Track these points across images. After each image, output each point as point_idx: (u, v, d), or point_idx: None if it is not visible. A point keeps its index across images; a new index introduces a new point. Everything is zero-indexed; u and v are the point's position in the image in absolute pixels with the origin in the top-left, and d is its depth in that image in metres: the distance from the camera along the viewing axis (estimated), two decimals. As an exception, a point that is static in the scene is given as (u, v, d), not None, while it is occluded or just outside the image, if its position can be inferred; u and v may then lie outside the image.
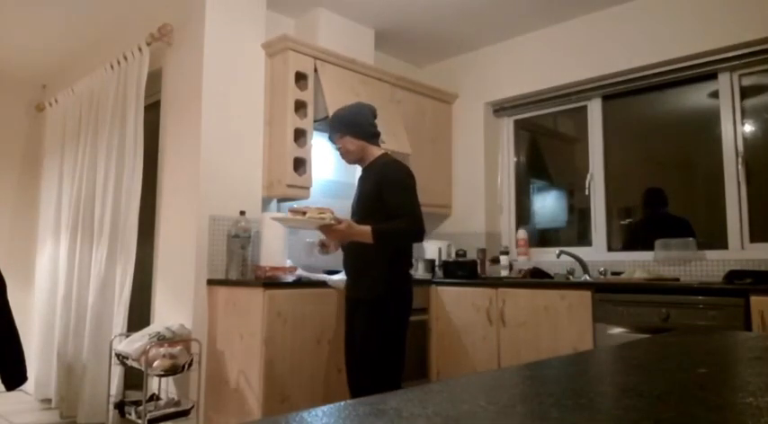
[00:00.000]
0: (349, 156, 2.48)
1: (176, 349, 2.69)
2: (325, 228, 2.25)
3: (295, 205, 2.54)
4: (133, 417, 2.77)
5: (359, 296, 2.40)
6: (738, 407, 0.42)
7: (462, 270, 3.47)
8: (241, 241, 2.90)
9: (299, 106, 3.20)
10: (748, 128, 3.10)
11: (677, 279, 2.99)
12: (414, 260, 2.63)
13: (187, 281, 2.95)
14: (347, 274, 2.50)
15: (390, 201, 2.31)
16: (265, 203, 3.22)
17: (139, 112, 3.28)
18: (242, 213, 2.95)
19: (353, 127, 2.46)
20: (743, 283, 2.50)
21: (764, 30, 2.91)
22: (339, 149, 2.49)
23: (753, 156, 3.05)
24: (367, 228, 2.26)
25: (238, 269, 2.88)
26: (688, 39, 3.16)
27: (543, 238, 3.92)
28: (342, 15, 3.61)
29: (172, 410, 2.75)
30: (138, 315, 3.28)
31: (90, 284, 3.42)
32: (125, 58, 3.41)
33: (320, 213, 2.20)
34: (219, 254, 2.97)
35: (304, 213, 2.20)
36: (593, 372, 0.60)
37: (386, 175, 2.36)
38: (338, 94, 3.27)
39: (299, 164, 3.15)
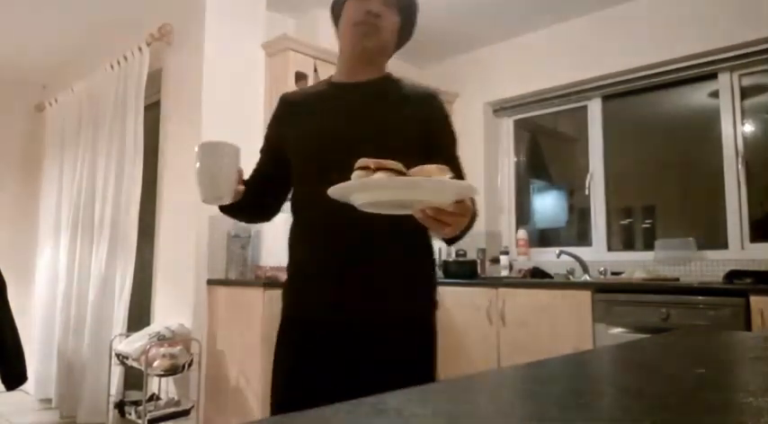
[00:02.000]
0: (376, 37, 1.34)
1: (176, 349, 2.69)
2: (457, 208, 1.01)
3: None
4: (133, 417, 2.77)
5: (403, 314, 1.32)
6: (738, 407, 0.42)
7: (462, 270, 3.47)
8: (241, 241, 2.90)
9: (299, 106, 3.20)
10: (748, 128, 3.10)
11: (677, 279, 2.99)
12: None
13: (187, 281, 2.95)
14: (364, 277, 1.27)
15: (451, 160, 1.32)
16: (265, 203, 3.22)
17: (139, 112, 3.28)
18: (242, 213, 2.95)
19: (410, 15, 1.43)
20: (743, 283, 2.50)
21: (764, 30, 2.91)
22: (375, 16, 1.32)
23: (753, 156, 3.05)
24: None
25: (238, 269, 2.88)
26: (688, 39, 3.16)
27: (543, 238, 3.92)
28: (342, 15, 3.61)
29: (172, 410, 2.75)
30: (138, 315, 3.28)
31: (90, 284, 3.42)
32: (125, 58, 3.41)
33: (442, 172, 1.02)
34: (219, 254, 2.97)
35: (402, 173, 0.96)
36: (593, 372, 0.60)
37: (443, 113, 1.42)
38: (338, 94, 3.27)
39: (299, 164, 3.15)
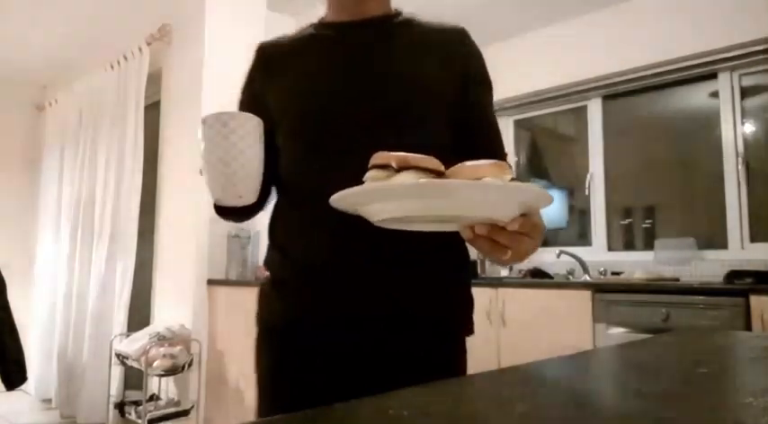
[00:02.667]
0: None
1: (176, 349, 2.69)
2: (523, 225, 0.67)
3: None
4: (133, 417, 2.77)
5: (443, 316, 1.04)
6: (738, 407, 0.42)
7: (462, 270, 3.47)
8: (241, 241, 2.90)
9: (299, 106, 3.20)
10: (748, 128, 3.10)
11: (677, 279, 2.99)
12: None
13: (187, 281, 2.95)
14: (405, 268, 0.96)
15: (489, 122, 1.04)
16: (265, 203, 3.22)
17: (139, 112, 3.28)
18: (242, 213, 2.95)
19: None
20: (743, 283, 2.50)
21: (764, 30, 2.91)
22: None
23: (753, 156, 3.05)
24: None
25: (238, 269, 2.88)
26: (688, 39, 3.16)
27: (543, 238, 3.91)
28: (342, 15, 3.61)
29: (172, 410, 2.75)
30: (138, 315, 3.28)
31: (90, 284, 3.43)
32: (125, 58, 3.42)
33: (500, 171, 0.66)
34: (219, 254, 2.97)
35: (439, 173, 0.66)
36: (593, 372, 0.60)
37: (476, 55, 1.06)
38: (338, 94, 3.27)
39: (299, 164, 3.15)
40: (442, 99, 0.97)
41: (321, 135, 0.96)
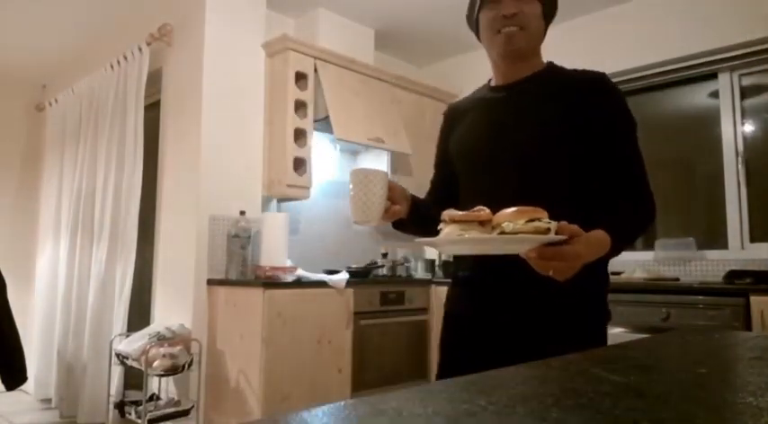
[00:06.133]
0: (520, 37, 1.33)
1: (176, 349, 2.69)
2: (550, 252, 0.97)
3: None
4: (133, 417, 2.77)
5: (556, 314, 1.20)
6: (738, 407, 0.42)
7: (462, 270, 3.46)
8: (241, 241, 2.90)
9: (299, 106, 3.20)
10: (748, 127, 3.10)
11: (677, 279, 2.99)
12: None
13: (187, 281, 2.95)
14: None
15: (626, 160, 1.21)
16: (265, 203, 3.21)
17: (139, 112, 3.28)
18: (242, 213, 2.95)
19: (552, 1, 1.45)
20: (743, 283, 2.50)
21: (764, 30, 2.91)
22: (512, 17, 1.31)
23: (753, 156, 3.05)
24: (603, 236, 1.07)
25: (238, 269, 2.88)
26: (688, 39, 3.16)
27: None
28: (342, 15, 3.61)
29: (172, 410, 2.75)
30: (138, 315, 3.28)
31: (90, 284, 3.42)
32: (125, 58, 3.42)
33: (529, 219, 0.95)
34: (219, 254, 2.97)
35: (480, 223, 0.99)
36: (593, 372, 0.60)
37: (618, 100, 1.26)
38: (338, 94, 3.27)
39: (299, 164, 3.15)
40: (561, 146, 1.23)
41: (472, 175, 1.35)
